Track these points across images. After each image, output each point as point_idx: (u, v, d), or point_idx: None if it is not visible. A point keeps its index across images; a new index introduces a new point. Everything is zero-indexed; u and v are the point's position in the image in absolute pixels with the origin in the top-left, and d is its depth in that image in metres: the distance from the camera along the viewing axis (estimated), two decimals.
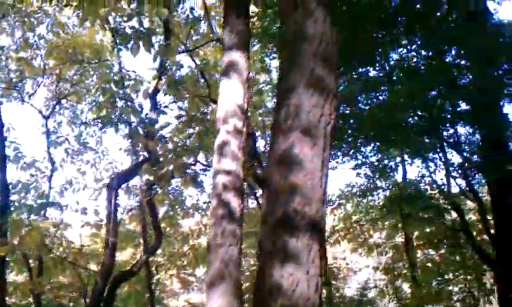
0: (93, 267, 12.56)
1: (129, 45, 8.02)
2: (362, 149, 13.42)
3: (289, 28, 3.37)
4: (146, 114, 9.49)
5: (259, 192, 14.25)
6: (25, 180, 11.79)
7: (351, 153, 13.51)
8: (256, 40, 13.98)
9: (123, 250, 14.64)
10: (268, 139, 15.89)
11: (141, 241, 13.46)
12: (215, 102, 12.34)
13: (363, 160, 13.76)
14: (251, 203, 15.11)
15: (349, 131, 12.36)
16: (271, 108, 15.55)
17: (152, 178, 8.31)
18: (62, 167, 13.34)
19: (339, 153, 13.17)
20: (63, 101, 14.18)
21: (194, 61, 13.16)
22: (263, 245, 2.98)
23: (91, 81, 13.99)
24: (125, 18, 9.45)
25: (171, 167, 8.12)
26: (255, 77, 15.00)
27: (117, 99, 7.94)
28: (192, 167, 8.91)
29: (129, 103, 8.24)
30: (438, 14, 11.13)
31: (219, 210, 4.04)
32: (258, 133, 14.77)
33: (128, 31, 9.28)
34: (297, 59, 3.22)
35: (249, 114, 5.21)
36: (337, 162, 13.00)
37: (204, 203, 14.32)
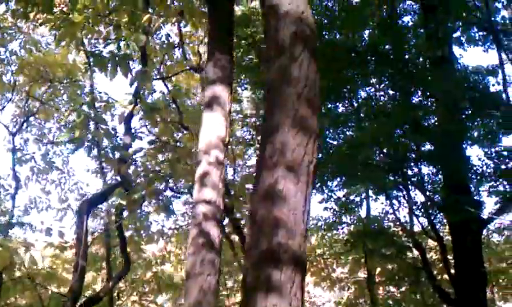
0: (54, 289, 12.26)
1: (107, 69, 8.04)
2: (329, 183, 13.64)
3: (274, 71, 3.52)
4: (120, 138, 9.49)
5: (225, 221, 14.32)
6: None
7: (317, 186, 13.67)
8: None
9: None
10: (237, 168, 16.06)
11: (104, 265, 13.26)
12: (186, 128, 12.47)
13: (330, 194, 14.00)
14: None
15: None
16: (240, 137, 15.77)
17: (124, 202, 8.28)
18: (26, 186, 13.08)
19: None
20: (31, 118, 13.99)
21: (166, 86, 13.28)
22: (247, 277, 3.06)
23: (61, 100, 13.90)
24: (101, 42, 9.50)
25: (143, 192, 8.12)
26: None
27: (90, 122, 7.92)
28: (164, 193, 8.92)
29: (103, 127, 8.25)
30: (406, 57, 11.62)
31: (199, 239, 4.14)
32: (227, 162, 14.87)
33: (106, 54, 9.36)
34: (282, 100, 3.37)
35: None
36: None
37: (169, 229, 14.28)
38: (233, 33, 5.17)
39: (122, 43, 8.47)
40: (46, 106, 13.82)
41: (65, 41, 8.55)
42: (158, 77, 10.61)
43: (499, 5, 11.34)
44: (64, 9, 8.83)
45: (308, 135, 3.29)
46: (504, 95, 10.21)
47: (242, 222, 14.46)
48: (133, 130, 9.81)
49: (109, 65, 8.24)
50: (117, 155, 9.04)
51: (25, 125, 14.01)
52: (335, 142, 13.06)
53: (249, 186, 15.83)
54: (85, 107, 9.07)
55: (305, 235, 3.14)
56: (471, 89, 10.01)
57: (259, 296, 2.93)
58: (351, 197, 14.71)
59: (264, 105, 3.61)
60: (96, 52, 9.66)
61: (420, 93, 11.84)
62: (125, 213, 9.57)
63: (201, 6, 9.76)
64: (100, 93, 11.28)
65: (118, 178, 8.91)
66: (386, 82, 12.15)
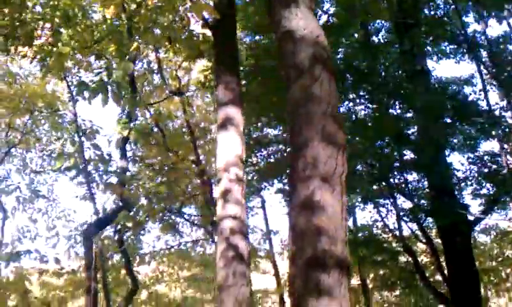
0: None
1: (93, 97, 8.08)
2: None
3: (296, 91, 3.71)
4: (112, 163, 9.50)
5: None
6: None
7: None
8: (209, 93, 14.39)
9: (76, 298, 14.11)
10: None
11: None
12: (169, 150, 12.55)
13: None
14: (209, 249, 15.18)
15: None
16: None
17: (130, 224, 8.29)
18: (13, 216, 12.89)
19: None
20: (12, 149, 13.82)
21: (149, 111, 13.36)
22: (296, 282, 3.21)
23: (41, 130, 13.80)
24: (83, 72, 9.51)
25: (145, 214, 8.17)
26: (207, 126, 15.32)
27: (85, 149, 7.95)
28: (168, 213, 8.96)
29: (97, 152, 8.27)
30: (383, 72, 11.99)
31: (228, 253, 4.27)
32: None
33: (92, 83, 9.37)
34: (308, 118, 3.59)
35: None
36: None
37: (161, 249, 14.26)
38: (238, 58, 5.34)
39: (110, 71, 8.55)
40: (27, 136, 13.67)
41: (52, 72, 8.56)
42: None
43: (470, 19, 11.84)
44: (49, 40, 8.87)
45: (336, 148, 3.49)
46: (484, 102, 10.64)
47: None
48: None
49: (100, 93, 8.30)
50: (112, 179, 9.07)
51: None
52: None
53: None
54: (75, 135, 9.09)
55: (346, 240, 3.29)
56: (451, 98, 10.39)
57: (310, 299, 3.10)
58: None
59: (288, 123, 3.78)
60: (85, 80, 9.69)
61: (398, 105, 12.19)
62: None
63: (182, 33, 9.95)
64: (84, 120, 11.30)
65: (108, 204, 8.90)
66: (366, 97, 12.52)
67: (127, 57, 8.28)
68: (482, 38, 11.48)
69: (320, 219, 3.26)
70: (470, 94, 11.35)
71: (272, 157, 14.23)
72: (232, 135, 4.71)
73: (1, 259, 8.85)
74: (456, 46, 11.99)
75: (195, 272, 16.06)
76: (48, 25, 8.57)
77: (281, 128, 12.96)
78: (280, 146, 13.56)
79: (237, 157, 4.63)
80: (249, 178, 15.01)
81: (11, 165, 13.99)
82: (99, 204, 11.31)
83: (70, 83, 11.26)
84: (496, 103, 11.12)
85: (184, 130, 14.00)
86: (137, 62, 12.24)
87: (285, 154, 12.73)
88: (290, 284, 3.33)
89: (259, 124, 14.34)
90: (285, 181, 12.98)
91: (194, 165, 12.45)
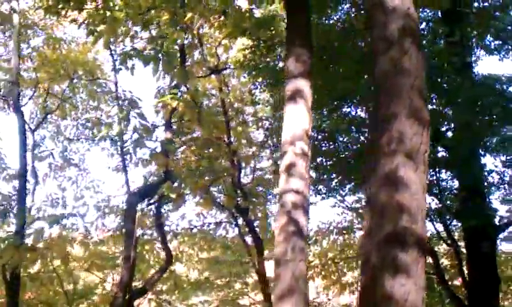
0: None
1: (148, 66, 8.11)
2: (340, 188, 13.73)
3: (384, 63, 3.66)
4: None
5: (240, 221, 14.43)
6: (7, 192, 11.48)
7: (330, 190, 13.74)
8: (246, 72, 14.36)
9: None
10: (253, 171, 16.14)
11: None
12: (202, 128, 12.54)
13: (341, 199, 14.14)
14: (232, 232, 15.19)
15: (329, 169, 12.74)
16: (254, 140, 15.85)
17: (174, 195, 8.35)
18: (44, 182, 13.04)
19: (321, 188, 13.48)
20: (48, 116, 13.96)
21: (186, 87, 13.37)
22: (370, 259, 3.18)
23: (78, 98, 13.92)
24: (135, 41, 9.55)
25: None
26: (241, 107, 15.32)
27: (130, 117, 8.00)
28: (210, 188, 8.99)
29: (142, 122, 8.32)
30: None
31: (289, 227, 4.25)
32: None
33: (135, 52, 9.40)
34: (396, 90, 3.53)
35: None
36: (322, 197, 13.31)
37: (182, 229, 14.32)
38: (311, 29, 5.30)
39: (163, 41, 8.58)
40: (64, 103, 13.79)
41: (104, 38, 8.57)
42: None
43: None
44: (99, 6, 8.89)
45: (422, 125, 3.44)
46: None
47: (256, 223, 14.58)
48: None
49: (151, 63, 8.33)
50: (146, 153, 9.05)
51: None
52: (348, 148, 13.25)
53: (262, 188, 16.02)
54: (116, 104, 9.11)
55: (424, 220, 3.26)
56: (499, 95, 10.20)
57: (386, 276, 3.07)
58: (364, 202, 14.84)
59: (375, 95, 3.74)
60: (129, 50, 9.72)
61: (435, 99, 12.02)
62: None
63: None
64: (124, 91, 11.35)
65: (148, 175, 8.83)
66: None
67: (178, 27, 8.29)
68: None
69: (403, 195, 3.22)
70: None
71: None
72: (301, 109, 4.69)
73: (47, 221, 8.98)
74: (501, 42, 11.79)
75: (215, 255, 16.07)
76: None
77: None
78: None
79: (304, 131, 4.61)
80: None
81: (46, 131, 14.17)
82: (131, 177, 11.43)
83: (113, 52, 11.31)
84: None
85: (218, 109, 13.99)
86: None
87: None
88: (364, 260, 3.31)
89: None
90: None
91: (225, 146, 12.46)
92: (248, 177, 15.81)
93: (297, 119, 4.66)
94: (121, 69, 11.69)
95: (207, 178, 9.55)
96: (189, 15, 8.18)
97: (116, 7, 8.10)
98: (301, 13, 5.08)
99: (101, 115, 12.89)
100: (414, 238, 3.14)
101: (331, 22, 11.48)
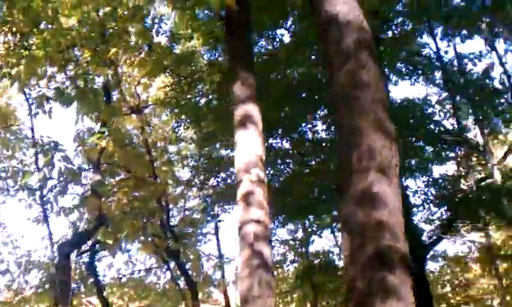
0: None
1: (67, 108, 7.57)
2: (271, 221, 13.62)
3: (342, 77, 3.54)
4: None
5: (172, 265, 13.78)
6: None
7: None
8: (168, 110, 13.98)
9: None
10: (182, 211, 15.61)
11: None
12: (128, 171, 11.97)
13: (273, 232, 14.07)
14: (164, 278, 14.49)
15: None
16: (179, 178, 15.37)
17: (110, 241, 7.67)
18: None
19: None
20: None
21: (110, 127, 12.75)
22: (357, 284, 2.94)
23: None
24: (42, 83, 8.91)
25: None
26: (165, 146, 14.88)
27: (54, 161, 7.34)
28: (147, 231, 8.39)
29: (68, 166, 7.66)
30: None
31: (253, 260, 3.94)
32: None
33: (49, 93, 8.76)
34: (358, 104, 3.39)
35: None
36: None
37: (111, 279, 13.47)
38: (253, 53, 5.13)
39: (83, 79, 8.09)
40: None
41: (22, 79, 7.89)
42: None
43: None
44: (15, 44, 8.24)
45: (389, 138, 3.31)
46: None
47: (188, 266, 14.02)
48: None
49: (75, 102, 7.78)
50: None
51: None
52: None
53: (191, 229, 15.49)
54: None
55: (404, 237, 3.10)
56: (412, 118, 10.60)
57: (376, 301, 2.84)
58: (296, 235, 14.90)
59: (335, 112, 3.59)
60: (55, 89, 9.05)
61: None
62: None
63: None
64: (42, 136, 10.55)
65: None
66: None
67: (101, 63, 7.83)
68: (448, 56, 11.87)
69: (382, 212, 3.03)
70: (430, 114, 11.72)
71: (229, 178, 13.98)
72: (252, 134, 4.45)
73: None
74: (411, 67, 12.38)
75: (147, 303, 15.22)
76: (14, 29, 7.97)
77: None
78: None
79: (258, 157, 4.36)
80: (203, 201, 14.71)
81: None
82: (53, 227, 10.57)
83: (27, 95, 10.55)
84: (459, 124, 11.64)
85: (141, 149, 13.46)
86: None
87: None
88: (350, 286, 3.06)
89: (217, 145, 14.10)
90: None
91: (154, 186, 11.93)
92: (175, 219, 15.32)
93: (249, 145, 4.42)
94: (38, 113, 10.99)
95: (141, 220, 8.97)
96: (114, 50, 7.77)
97: (34, 47, 7.47)
98: (242, 37, 4.91)
99: (18, 163, 11.90)
100: (398, 255, 2.95)
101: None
